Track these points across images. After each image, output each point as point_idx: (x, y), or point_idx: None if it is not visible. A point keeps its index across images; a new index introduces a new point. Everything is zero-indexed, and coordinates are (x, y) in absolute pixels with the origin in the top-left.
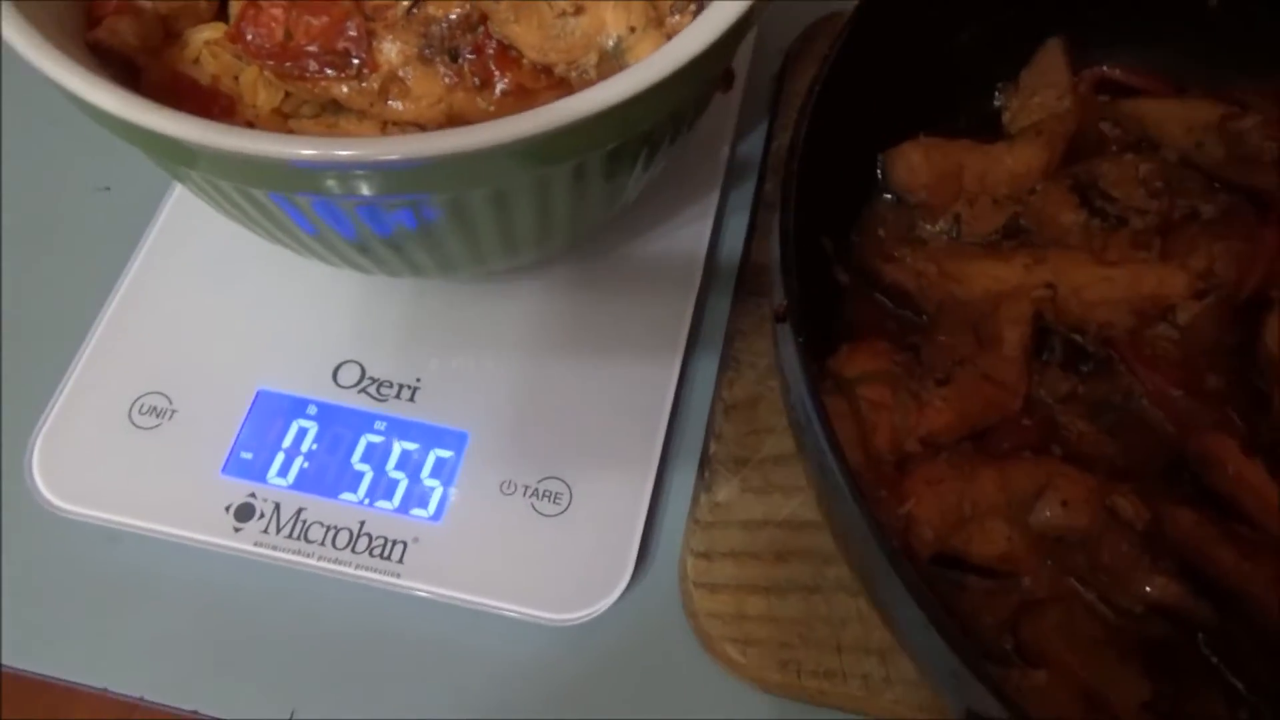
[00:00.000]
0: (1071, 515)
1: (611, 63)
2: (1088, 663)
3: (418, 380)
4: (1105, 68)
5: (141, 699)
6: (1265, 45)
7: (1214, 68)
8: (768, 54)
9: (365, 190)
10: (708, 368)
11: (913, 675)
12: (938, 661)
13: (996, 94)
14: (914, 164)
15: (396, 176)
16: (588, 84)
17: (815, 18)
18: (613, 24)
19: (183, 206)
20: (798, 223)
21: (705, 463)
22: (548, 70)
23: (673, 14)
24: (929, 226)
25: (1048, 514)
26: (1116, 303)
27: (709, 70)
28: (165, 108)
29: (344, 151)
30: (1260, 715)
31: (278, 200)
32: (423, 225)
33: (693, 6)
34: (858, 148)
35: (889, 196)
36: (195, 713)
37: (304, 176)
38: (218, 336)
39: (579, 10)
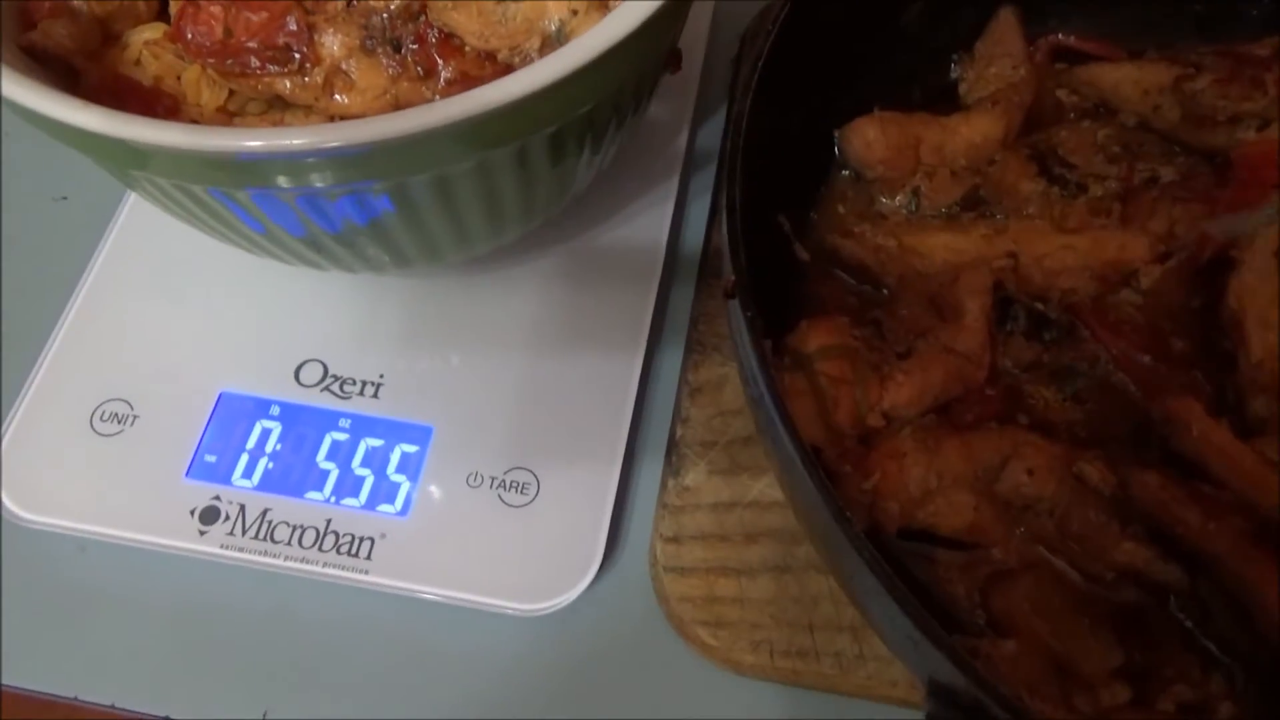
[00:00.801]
0: (1038, 483)
1: (554, 46)
2: (1058, 630)
3: (381, 376)
4: (1060, 35)
5: (113, 706)
6: (1217, 5)
7: (1167, 31)
8: (725, 38)
9: (312, 180)
10: (673, 352)
11: (885, 652)
12: (897, 630)
13: (953, 65)
14: (870, 139)
15: (339, 164)
16: None
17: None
18: (554, 7)
19: (139, 213)
20: (744, 198)
21: (672, 447)
22: (491, 57)
23: None
24: (888, 201)
25: (1014, 483)
26: (1078, 270)
27: (649, 48)
28: (104, 108)
29: (287, 141)
30: (1233, 676)
31: (219, 197)
32: (370, 218)
33: None
34: (813, 125)
35: (847, 173)
36: (167, 717)
37: (250, 170)
38: (178, 340)
39: None
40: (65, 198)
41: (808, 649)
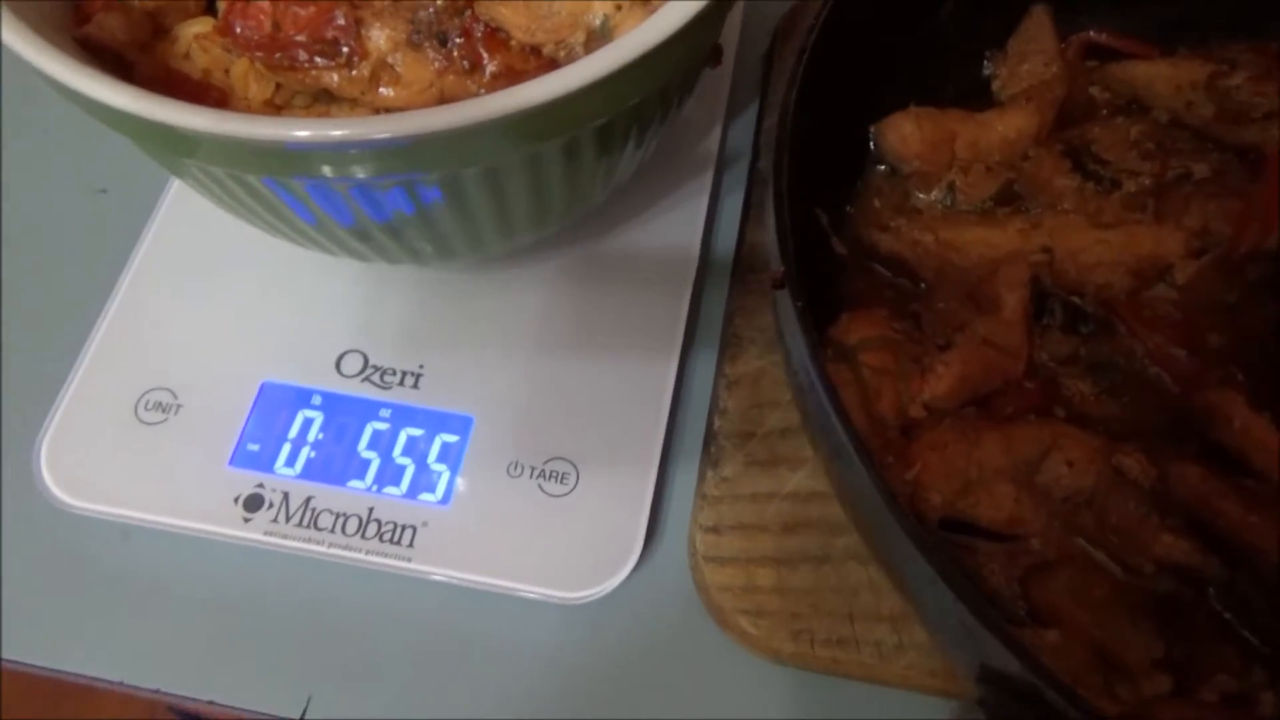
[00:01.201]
0: (1077, 475)
1: (599, 40)
2: (1100, 621)
3: (420, 367)
4: (1092, 32)
5: (158, 690)
6: (1250, 2)
7: (1200, 28)
8: (756, 34)
9: (359, 172)
10: (709, 345)
11: (925, 641)
12: (948, 618)
13: (985, 62)
14: (906, 134)
15: (389, 155)
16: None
17: None
18: (599, 4)
19: (179, 204)
20: (791, 191)
21: (710, 438)
22: (536, 51)
23: None
24: (923, 196)
25: (1053, 475)
26: (1113, 265)
27: (695, 43)
28: (160, 96)
29: (337, 131)
30: (1274, 667)
31: (273, 187)
32: (419, 208)
33: None
34: (849, 121)
35: (883, 168)
36: (212, 703)
37: (298, 159)
38: (220, 330)
39: None
40: (105, 190)
41: (848, 638)
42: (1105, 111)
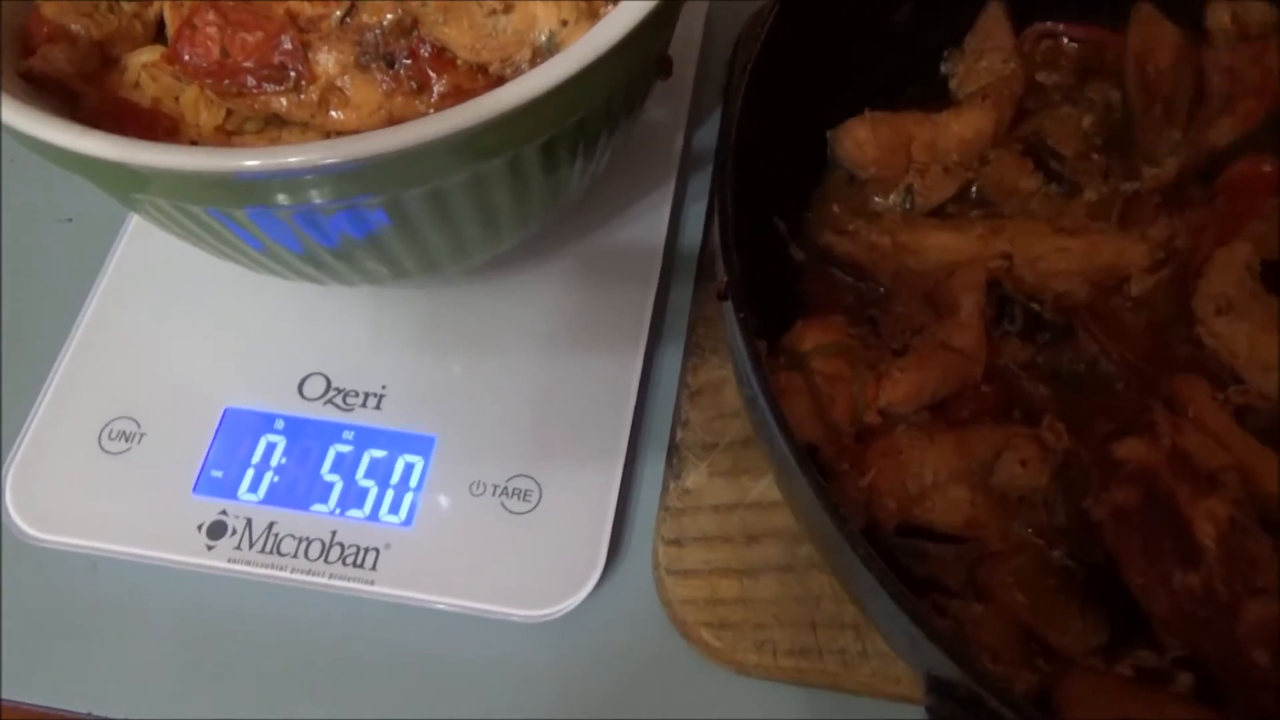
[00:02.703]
0: (1031, 474)
1: (545, 57)
2: (1037, 605)
3: (383, 388)
4: (1048, 24)
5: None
6: None
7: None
8: (720, 41)
9: (311, 196)
10: (673, 355)
11: (887, 649)
12: (895, 626)
13: (943, 61)
14: (861, 139)
15: (335, 180)
16: None
17: (765, 2)
18: (544, 19)
19: (142, 234)
20: (739, 200)
21: (673, 450)
22: (484, 70)
23: (606, 4)
24: (882, 200)
25: (1007, 475)
26: (1072, 273)
27: (636, 56)
28: (101, 132)
29: (285, 159)
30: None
31: (218, 217)
32: (367, 232)
33: None
34: (808, 127)
35: (841, 172)
36: None
37: (248, 189)
38: (183, 358)
39: (508, 8)
40: (70, 219)
41: (811, 647)
42: (1056, 96)
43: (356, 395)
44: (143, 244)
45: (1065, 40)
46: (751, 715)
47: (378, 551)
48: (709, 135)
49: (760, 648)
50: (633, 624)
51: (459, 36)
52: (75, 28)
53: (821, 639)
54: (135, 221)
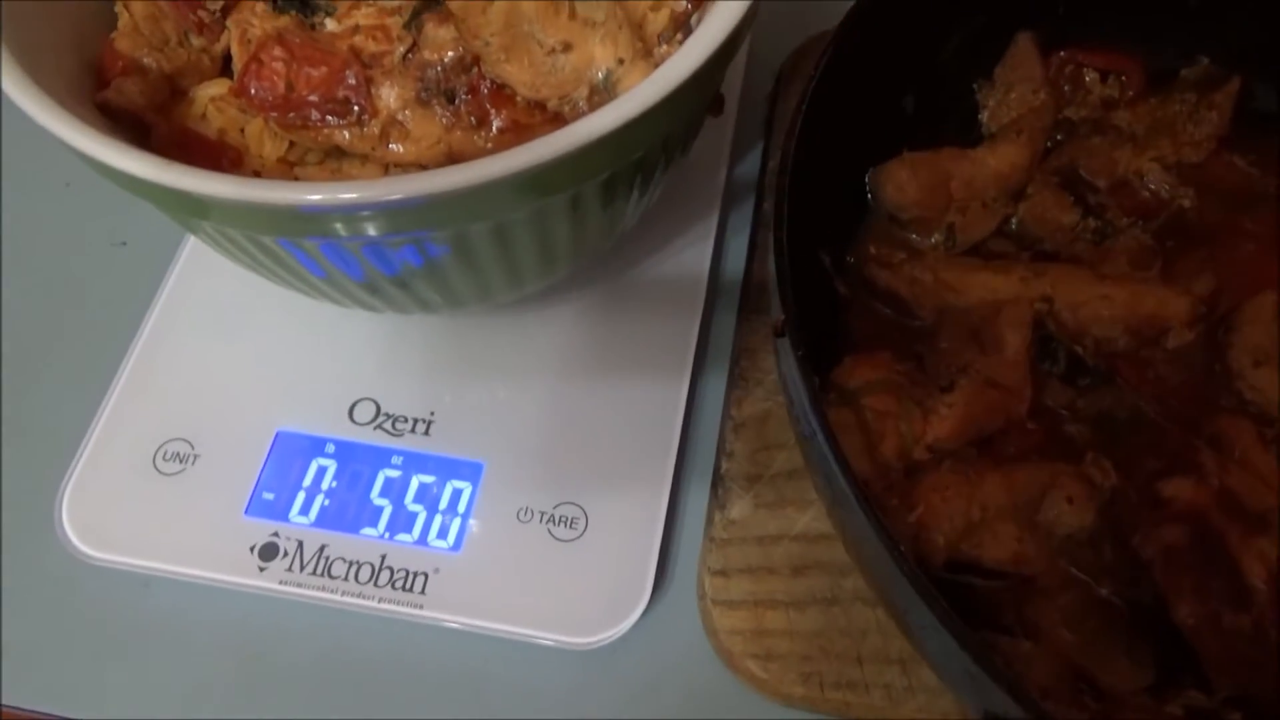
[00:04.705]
0: (1078, 512)
1: (602, 94)
2: (1085, 644)
3: (431, 414)
4: (1075, 52)
5: None
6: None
7: (1182, 42)
8: (760, 75)
9: (370, 230)
10: (716, 387)
11: (934, 683)
12: (953, 664)
13: (975, 93)
14: (901, 181)
15: (399, 215)
16: (580, 116)
17: (806, 38)
18: (601, 57)
19: (197, 257)
20: (792, 238)
21: (718, 481)
22: (541, 106)
23: (660, 43)
24: (924, 240)
25: (1054, 513)
26: (1113, 321)
27: (696, 97)
28: (176, 164)
29: (349, 194)
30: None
31: (286, 246)
32: (428, 262)
33: (679, 36)
34: (850, 161)
35: (882, 212)
36: None
37: (311, 221)
38: (236, 381)
39: (567, 47)
40: (125, 243)
41: (857, 681)
42: (1083, 130)
43: (405, 421)
44: (196, 269)
45: (1088, 69)
46: None
47: (427, 576)
48: (749, 167)
49: (807, 680)
50: (678, 653)
51: (519, 74)
52: (147, 61)
53: (868, 673)
54: (190, 247)
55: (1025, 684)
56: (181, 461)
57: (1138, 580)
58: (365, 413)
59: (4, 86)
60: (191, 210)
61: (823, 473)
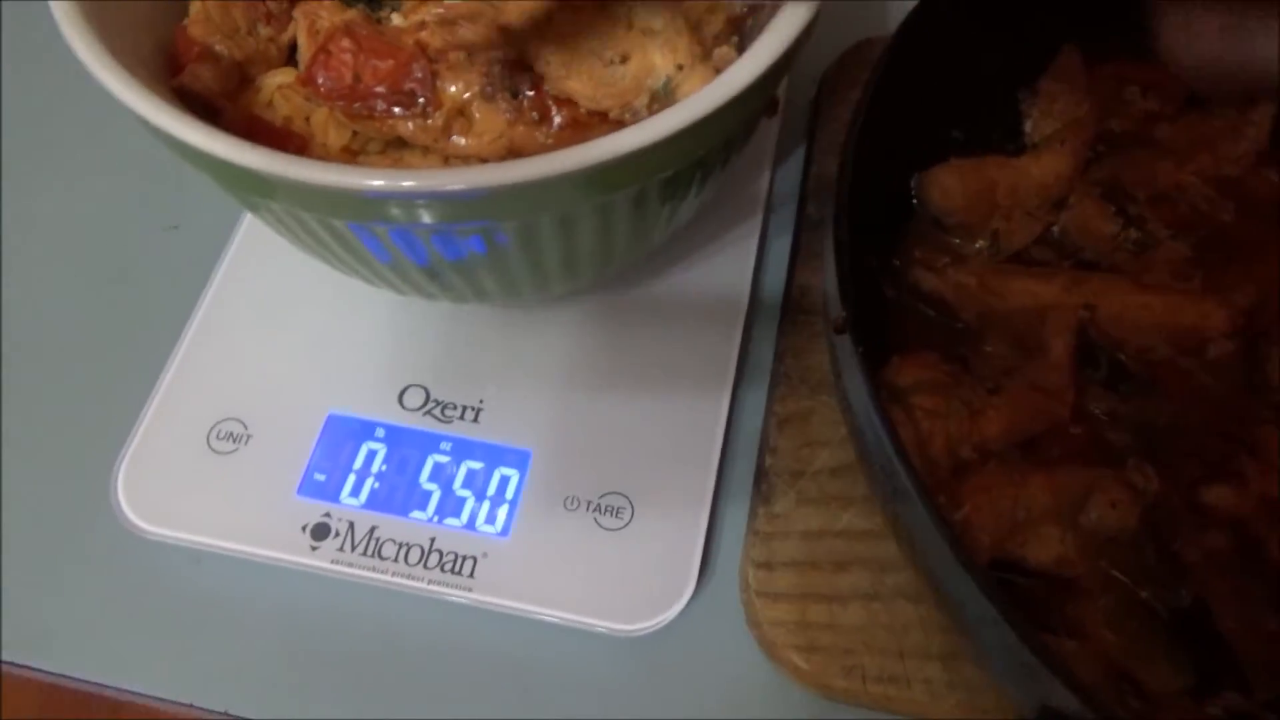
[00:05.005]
0: (1121, 516)
1: (661, 100)
2: (1127, 645)
3: (480, 402)
4: (1118, 66)
5: (226, 712)
6: None
7: None
8: (802, 81)
9: (446, 217)
10: (759, 383)
11: (974, 681)
12: (1011, 658)
13: (1020, 102)
14: (948, 187)
15: (476, 204)
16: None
17: (848, 45)
18: (661, 65)
19: (250, 241)
20: (853, 239)
21: (761, 475)
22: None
23: (719, 43)
24: (968, 245)
25: (1098, 516)
26: (1153, 329)
27: (757, 100)
28: (259, 146)
29: (449, 183)
30: None
31: (356, 231)
32: (492, 249)
33: (735, 38)
34: (896, 165)
35: (926, 216)
36: None
37: (390, 206)
38: (288, 363)
39: (626, 58)
40: (177, 227)
41: (899, 675)
42: (1124, 143)
43: (455, 408)
44: (250, 254)
45: (1130, 83)
46: None
47: (475, 560)
48: (790, 171)
49: (849, 673)
50: (720, 642)
51: (581, 88)
52: (220, 49)
53: (909, 668)
54: (243, 232)
55: (1083, 679)
56: (235, 441)
57: (1178, 584)
58: (415, 399)
59: (92, 68)
60: (264, 191)
61: (881, 467)
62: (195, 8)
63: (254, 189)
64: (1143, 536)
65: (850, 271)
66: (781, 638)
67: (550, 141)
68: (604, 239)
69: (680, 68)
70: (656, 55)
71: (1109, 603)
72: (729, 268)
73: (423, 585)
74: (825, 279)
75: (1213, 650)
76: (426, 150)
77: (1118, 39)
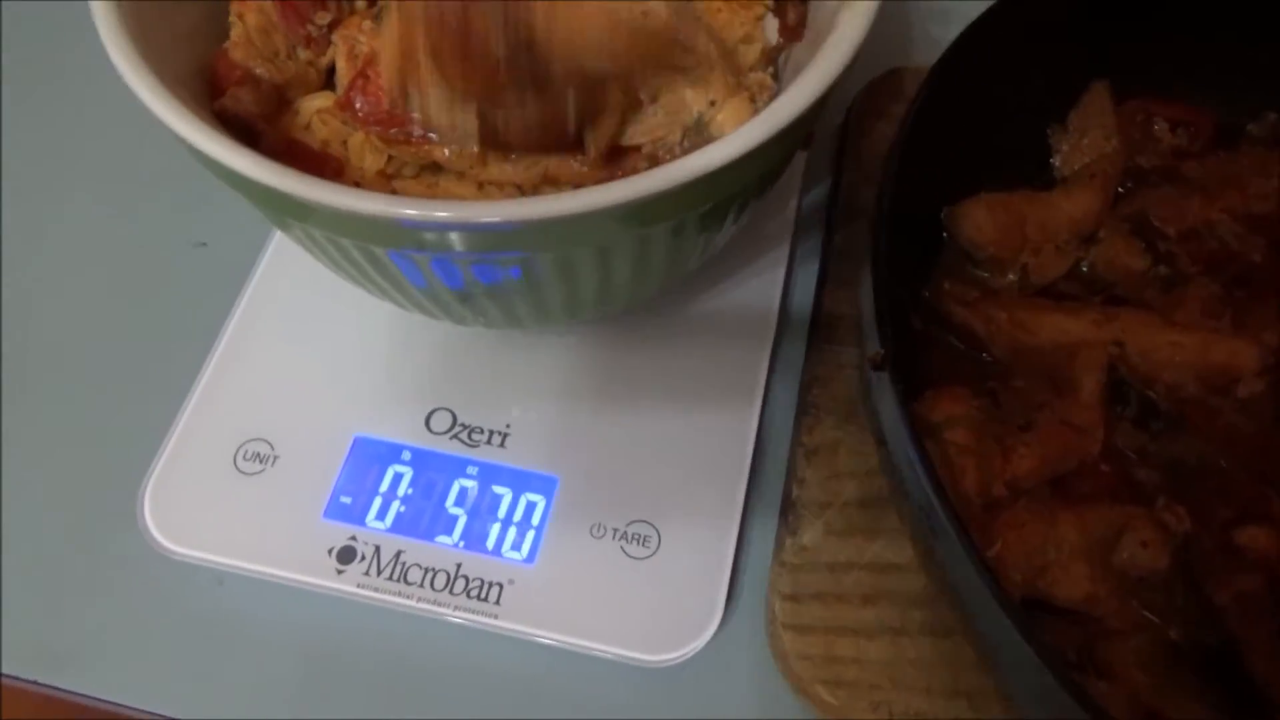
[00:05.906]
0: (1152, 556)
1: (695, 135)
2: (1158, 685)
3: (507, 427)
4: (1146, 102)
5: None
6: None
7: (1259, 97)
8: (829, 111)
9: (481, 248)
10: (785, 414)
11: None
12: (1047, 701)
13: (1048, 136)
14: (979, 221)
15: (512, 236)
16: (675, 158)
17: (875, 74)
18: (693, 101)
19: (279, 260)
20: (888, 275)
21: (788, 507)
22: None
23: (751, 70)
24: (998, 278)
25: (1129, 555)
26: (1183, 367)
27: (799, 135)
28: (302, 174)
29: (490, 216)
30: None
31: (395, 259)
32: (529, 277)
33: (770, 68)
34: (928, 198)
35: (957, 250)
36: None
37: (439, 235)
38: (315, 385)
39: (655, 98)
40: (205, 244)
41: (925, 713)
42: (1153, 179)
43: (481, 432)
44: (278, 274)
45: (1158, 119)
46: None
47: (501, 586)
48: (817, 199)
49: (876, 708)
50: (746, 674)
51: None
52: (260, 72)
53: (935, 705)
54: (271, 252)
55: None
56: (261, 461)
57: (1209, 625)
58: (442, 422)
59: (140, 93)
60: (302, 216)
61: (919, 505)
62: (237, 31)
63: (294, 214)
64: (1173, 577)
65: (889, 309)
66: (808, 671)
67: (585, 170)
68: (641, 268)
69: (713, 103)
70: (688, 92)
71: (1140, 643)
72: (757, 294)
73: (449, 611)
74: (862, 314)
75: (1244, 691)
76: (461, 176)
77: (1146, 76)
